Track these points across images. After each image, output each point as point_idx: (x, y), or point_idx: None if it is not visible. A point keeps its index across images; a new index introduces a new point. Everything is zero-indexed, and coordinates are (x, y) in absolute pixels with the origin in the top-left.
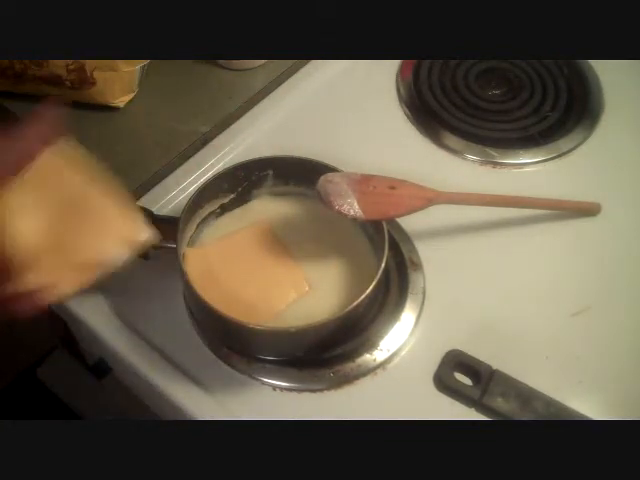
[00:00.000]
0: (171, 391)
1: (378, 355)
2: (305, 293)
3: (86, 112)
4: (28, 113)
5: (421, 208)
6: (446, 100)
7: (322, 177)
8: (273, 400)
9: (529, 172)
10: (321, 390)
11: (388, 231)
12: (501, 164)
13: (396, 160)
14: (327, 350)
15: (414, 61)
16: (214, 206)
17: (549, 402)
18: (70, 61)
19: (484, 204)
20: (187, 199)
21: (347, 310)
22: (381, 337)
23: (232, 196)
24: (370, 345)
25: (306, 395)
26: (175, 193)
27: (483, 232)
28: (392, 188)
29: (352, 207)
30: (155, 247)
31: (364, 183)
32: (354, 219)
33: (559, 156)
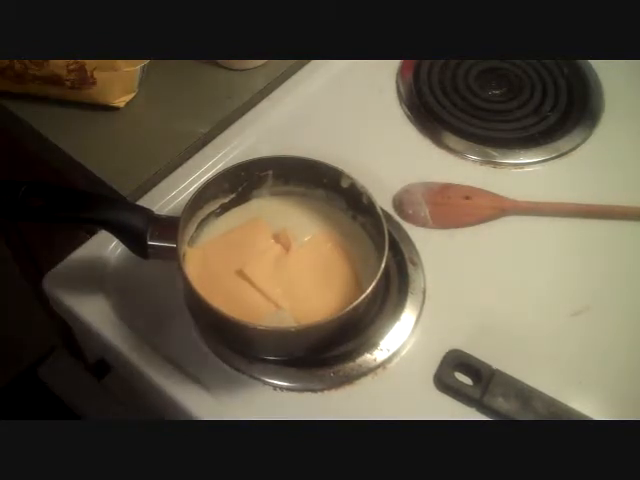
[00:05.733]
0: (171, 391)
1: (378, 355)
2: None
3: (86, 112)
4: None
5: (494, 218)
6: (446, 100)
7: (401, 187)
8: (274, 400)
9: (529, 172)
10: (321, 390)
11: (388, 231)
12: (501, 164)
13: (396, 160)
14: (327, 350)
15: (414, 61)
16: (214, 206)
17: (549, 402)
18: (70, 61)
19: (563, 215)
20: (187, 199)
21: (347, 310)
22: (381, 337)
23: (232, 196)
24: (370, 345)
25: (306, 395)
26: (175, 193)
27: (483, 232)
28: (467, 198)
29: (421, 216)
30: (155, 247)
31: (440, 193)
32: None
33: (559, 156)
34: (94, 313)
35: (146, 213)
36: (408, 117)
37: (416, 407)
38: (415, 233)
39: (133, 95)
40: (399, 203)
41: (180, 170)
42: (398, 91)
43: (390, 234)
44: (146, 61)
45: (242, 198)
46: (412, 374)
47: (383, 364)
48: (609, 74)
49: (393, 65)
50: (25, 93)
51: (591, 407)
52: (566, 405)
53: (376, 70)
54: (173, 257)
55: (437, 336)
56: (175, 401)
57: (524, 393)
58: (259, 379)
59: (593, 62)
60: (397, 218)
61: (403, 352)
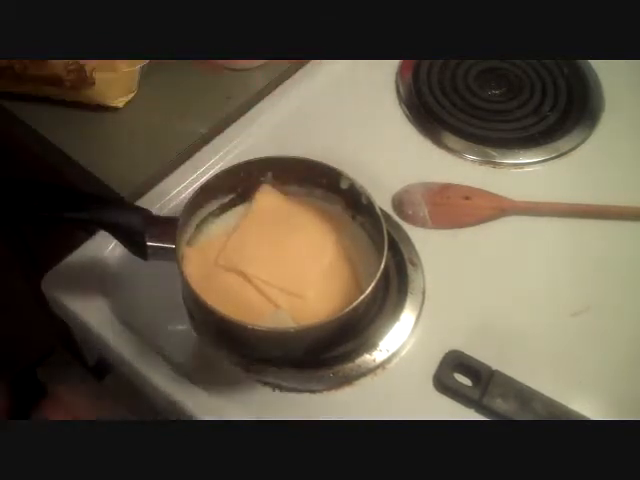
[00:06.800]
0: (170, 391)
1: (378, 355)
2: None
3: (86, 112)
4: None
5: (494, 218)
6: (446, 100)
7: (401, 187)
8: (273, 400)
9: (529, 172)
10: (321, 390)
11: (388, 231)
12: (501, 164)
13: (396, 160)
14: (327, 350)
15: (413, 61)
16: (214, 206)
17: (549, 402)
18: (70, 61)
19: (563, 215)
20: (186, 199)
21: (347, 310)
22: (381, 337)
23: (232, 196)
24: (370, 345)
25: (306, 395)
26: (175, 193)
27: (483, 232)
28: (467, 198)
29: (421, 216)
30: (154, 248)
31: (440, 194)
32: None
33: (559, 156)
34: (93, 313)
35: (145, 214)
36: (407, 117)
37: (415, 408)
38: (414, 233)
39: (132, 95)
40: (398, 203)
41: (179, 170)
42: (397, 91)
43: (389, 234)
44: (146, 61)
45: (241, 198)
46: (411, 375)
47: (382, 365)
48: (609, 74)
49: (392, 65)
50: (25, 93)
51: (591, 407)
52: (565, 406)
53: (376, 70)
54: (172, 258)
55: (436, 336)
56: (174, 401)
57: (523, 394)
58: (258, 379)
59: (593, 62)
60: (396, 218)
61: (402, 353)
